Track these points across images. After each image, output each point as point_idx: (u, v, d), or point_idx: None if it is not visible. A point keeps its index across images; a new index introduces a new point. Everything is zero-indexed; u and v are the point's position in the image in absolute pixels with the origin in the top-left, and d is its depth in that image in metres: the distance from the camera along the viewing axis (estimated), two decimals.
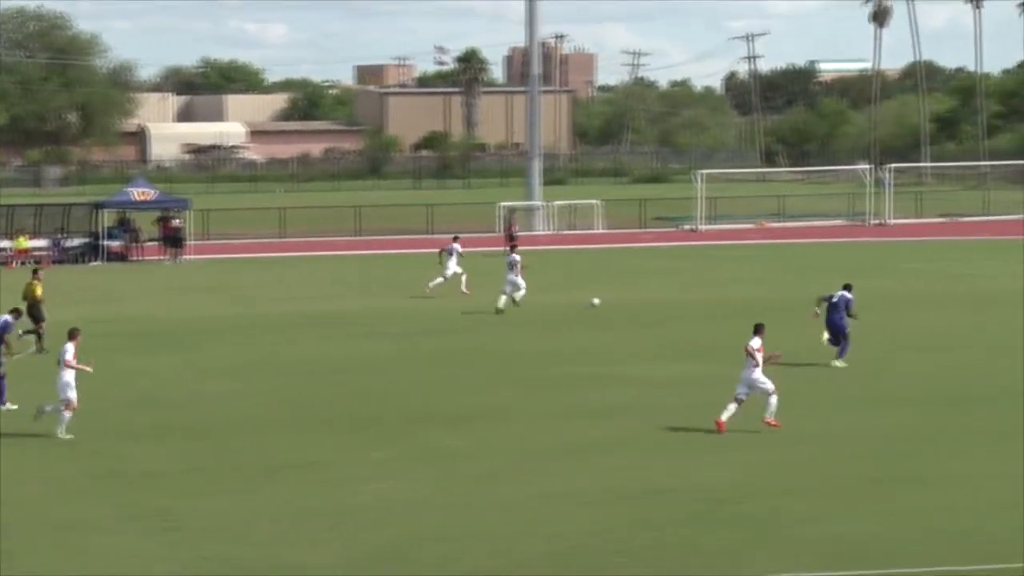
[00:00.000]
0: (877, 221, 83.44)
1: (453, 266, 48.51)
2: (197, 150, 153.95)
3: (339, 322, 43.14)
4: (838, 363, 33.66)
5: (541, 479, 23.45)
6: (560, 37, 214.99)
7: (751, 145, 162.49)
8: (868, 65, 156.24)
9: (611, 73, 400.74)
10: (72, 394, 26.57)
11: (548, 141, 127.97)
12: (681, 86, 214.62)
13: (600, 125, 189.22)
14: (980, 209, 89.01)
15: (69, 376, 26.64)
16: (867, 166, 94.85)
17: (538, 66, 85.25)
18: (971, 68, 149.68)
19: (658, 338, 39.29)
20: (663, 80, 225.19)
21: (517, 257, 45.49)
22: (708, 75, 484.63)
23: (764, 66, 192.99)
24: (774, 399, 26.71)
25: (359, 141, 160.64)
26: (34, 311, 37.25)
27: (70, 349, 26.79)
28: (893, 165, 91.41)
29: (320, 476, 23.87)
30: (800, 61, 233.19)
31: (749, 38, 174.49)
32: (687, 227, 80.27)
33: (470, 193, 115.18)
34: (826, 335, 34.28)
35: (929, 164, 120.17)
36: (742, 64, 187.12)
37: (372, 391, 31.59)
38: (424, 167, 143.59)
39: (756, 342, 27.08)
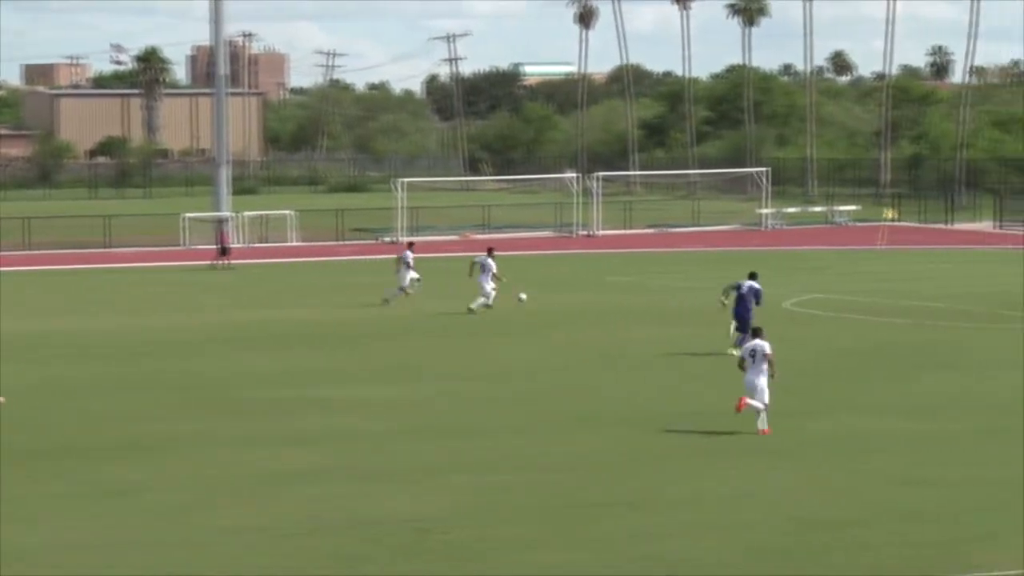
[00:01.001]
0: (585, 232, 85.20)
1: (410, 275, 50.88)
2: None
3: (9, 345, 42.01)
4: (733, 352, 35.08)
5: (235, 512, 23.29)
6: (248, 35, 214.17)
7: (454, 152, 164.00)
8: (574, 68, 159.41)
9: (304, 75, 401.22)
10: None
11: (237, 147, 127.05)
12: (379, 89, 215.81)
13: (293, 130, 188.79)
14: (690, 220, 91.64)
15: None
16: (574, 174, 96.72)
17: (225, 66, 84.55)
18: (679, 72, 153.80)
19: (365, 359, 39.32)
20: (360, 82, 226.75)
21: (492, 263, 48.06)
22: (407, 77, 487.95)
23: (466, 69, 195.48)
24: (764, 414, 28.12)
25: (27, 147, 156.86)
26: None
27: None
28: (600, 174, 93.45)
29: None
30: (504, 64, 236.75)
31: (450, 39, 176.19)
32: (387, 239, 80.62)
33: (152, 203, 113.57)
34: (734, 325, 35.70)
35: (638, 173, 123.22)
36: (443, 66, 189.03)
37: (44, 421, 30.84)
38: (101, 175, 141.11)
39: (769, 348, 28.23)
